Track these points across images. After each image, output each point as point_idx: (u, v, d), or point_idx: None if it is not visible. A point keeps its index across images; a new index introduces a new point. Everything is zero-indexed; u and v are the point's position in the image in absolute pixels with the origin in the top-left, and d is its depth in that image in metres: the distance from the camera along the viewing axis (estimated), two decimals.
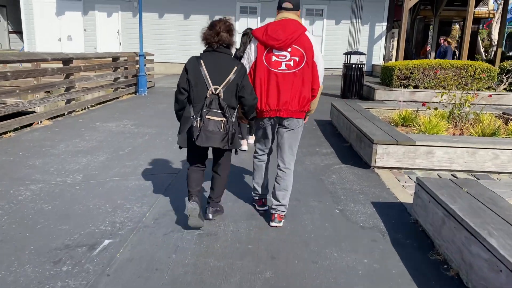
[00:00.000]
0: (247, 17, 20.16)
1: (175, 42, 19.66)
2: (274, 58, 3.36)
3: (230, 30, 3.31)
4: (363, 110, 7.56)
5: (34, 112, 8.38)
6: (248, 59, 3.49)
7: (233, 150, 3.59)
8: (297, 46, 3.34)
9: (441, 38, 17.89)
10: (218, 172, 3.61)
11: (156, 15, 20.07)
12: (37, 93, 8.86)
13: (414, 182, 4.23)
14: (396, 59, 21.74)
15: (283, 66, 3.35)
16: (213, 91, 3.18)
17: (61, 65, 8.93)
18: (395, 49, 21.98)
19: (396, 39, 21.54)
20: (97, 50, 20.14)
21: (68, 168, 5.27)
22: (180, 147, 3.47)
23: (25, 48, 20.17)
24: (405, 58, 19.98)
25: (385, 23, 20.46)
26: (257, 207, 4.00)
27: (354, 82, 12.39)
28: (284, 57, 3.35)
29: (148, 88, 14.03)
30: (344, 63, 12.71)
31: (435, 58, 18.34)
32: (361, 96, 12.51)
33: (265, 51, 3.38)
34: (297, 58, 3.35)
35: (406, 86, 11.84)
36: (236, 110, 3.39)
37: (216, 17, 3.68)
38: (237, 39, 3.76)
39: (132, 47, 19.93)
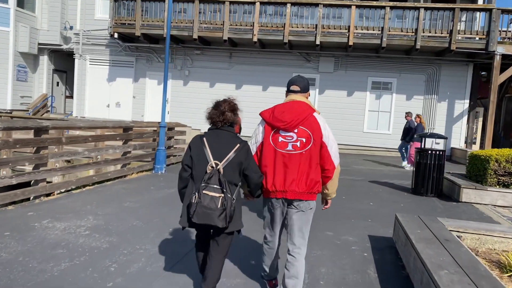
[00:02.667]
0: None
1: None
2: (280, 139, 3.28)
3: (234, 110, 3.26)
4: (453, 242, 4.14)
5: None
6: (256, 140, 3.41)
7: (236, 232, 3.27)
8: (304, 127, 3.25)
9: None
10: (213, 255, 3.26)
11: (207, 84, 18.17)
12: None
13: None
14: (482, 143, 17.70)
15: (289, 147, 3.25)
16: (214, 166, 3.08)
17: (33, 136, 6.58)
18: (479, 131, 18.01)
19: (480, 119, 17.66)
20: (144, 118, 18.43)
21: None
22: (183, 228, 3.28)
23: (73, 113, 19.01)
24: (493, 142, 15.98)
25: (467, 101, 16.82)
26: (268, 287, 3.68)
27: (431, 173, 8.89)
28: (290, 138, 3.26)
29: (175, 163, 11.48)
30: (418, 149, 9.30)
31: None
32: (440, 194, 8.91)
33: (272, 132, 3.30)
34: (303, 139, 3.24)
35: (507, 185, 8.12)
36: (238, 187, 3.21)
37: None
38: None
39: (181, 116, 18.01)
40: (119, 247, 4.70)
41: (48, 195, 6.93)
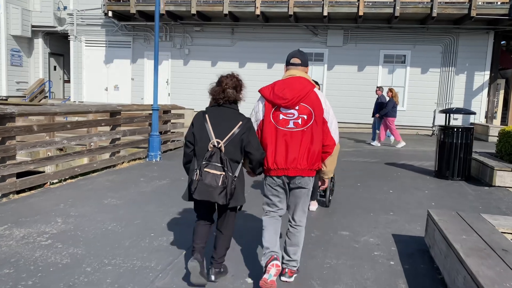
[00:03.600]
0: (311, 64, 16.28)
1: None
2: (281, 116, 3.17)
3: (237, 86, 3.16)
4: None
5: None
6: (256, 117, 3.29)
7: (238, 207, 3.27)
8: (305, 104, 3.16)
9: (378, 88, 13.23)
10: (221, 230, 3.29)
11: (209, 63, 16.99)
12: None
13: None
14: (504, 118, 16.42)
15: (291, 124, 3.15)
16: (215, 144, 3.03)
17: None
18: (500, 105, 16.68)
19: (502, 92, 16.31)
20: (144, 101, 17.38)
21: None
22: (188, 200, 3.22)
23: (71, 98, 18.03)
24: None
25: (488, 72, 15.44)
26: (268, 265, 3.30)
27: (457, 153, 7.73)
28: (292, 115, 3.16)
29: (172, 150, 10.46)
30: (442, 127, 8.13)
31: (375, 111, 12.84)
32: (468, 177, 7.76)
33: (273, 110, 3.20)
34: (305, 116, 3.15)
35: None
36: (240, 164, 3.14)
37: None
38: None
39: (182, 98, 16.92)
40: (82, 262, 3.71)
41: (19, 192, 5.97)
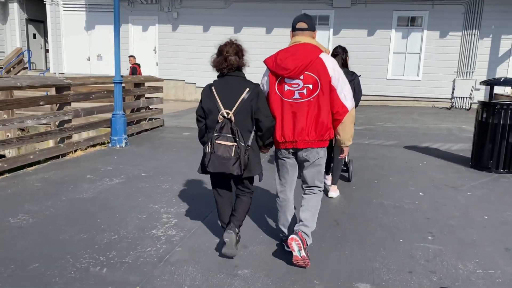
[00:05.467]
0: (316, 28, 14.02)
1: None
2: (286, 87, 2.95)
3: (238, 52, 2.97)
4: None
5: None
6: (262, 90, 3.05)
7: (258, 177, 3.19)
8: (309, 73, 2.89)
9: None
10: (239, 195, 3.22)
11: (200, 28, 14.81)
12: None
13: None
14: None
15: (296, 95, 2.93)
16: (225, 115, 2.90)
17: None
18: None
19: None
20: (128, 72, 15.33)
21: None
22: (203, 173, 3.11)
23: (51, 69, 16.01)
24: None
25: None
26: (286, 248, 3.19)
27: (504, 138, 5.75)
28: (296, 86, 2.93)
29: (148, 130, 8.54)
30: (484, 103, 6.06)
31: None
32: None
33: (277, 81, 2.98)
34: (310, 86, 2.91)
35: None
36: (252, 133, 3.01)
37: None
38: None
39: (172, 68, 14.90)
40: None
41: None
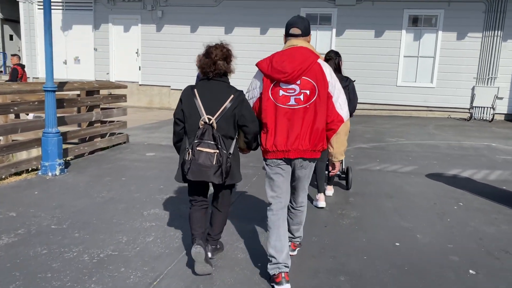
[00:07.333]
0: (316, 28, 12.27)
1: None
2: (281, 92, 2.72)
3: (227, 57, 2.83)
4: None
5: None
6: (252, 94, 2.86)
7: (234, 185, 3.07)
8: (307, 78, 2.68)
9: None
10: (218, 208, 3.05)
11: (187, 28, 13.05)
12: None
13: None
14: None
15: (292, 101, 2.70)
16: (206, 121, 2.73)
17: None
18: None
19: None
20: (109, 76, 13.61)
21: None
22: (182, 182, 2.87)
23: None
24: None
25: None
26: (272, 284, 2.74)
27: None
28: (292, 91, 2.70)
29: (103, 150, 6.76)
30: None
31: None
32: None
33: (271, 85, 2.74)
34: (307, 91, 2.69)
35: None
36: (234, 140, 2.85)
37: None
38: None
39: (156, 73, 13.19)
40: None
41: None
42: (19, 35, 16.43)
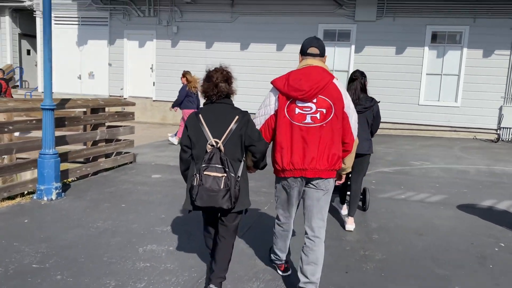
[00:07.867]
0: (335, 44, 11.82)
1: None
2: (297, 110, 2.70)
3: (228, 79, 2.82)
4: None
5: None
6: (265, 111, 2.83)
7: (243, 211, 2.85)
8: (323, 97, 2.69)
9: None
10: (224, 236, 2.83)
11: (203, 44, 12.76)
12: None
13: None
14: None
15: (308, 119, 2.69)
16: (213, 144, 2.67)
17: None
18: None
19: None
20: (123, 91, 13.39)
21: None
22: (189, 211, 2.76)
23: (39, 88, 14.22)
24: None
25: None
26: (279, 272, 3.16)
27: None
28: (309, 109, 2.69)
29: (107, 171, 6.37)
30: None
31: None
32: None
33: (288, 103, 2.72)
34: (324, 110, 2.68)
35: None
36: (242, 163, 2.78)
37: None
38: None
39: (170, 89, 12.85)
40: None
41: None
42: (36, 50, 16.45)
